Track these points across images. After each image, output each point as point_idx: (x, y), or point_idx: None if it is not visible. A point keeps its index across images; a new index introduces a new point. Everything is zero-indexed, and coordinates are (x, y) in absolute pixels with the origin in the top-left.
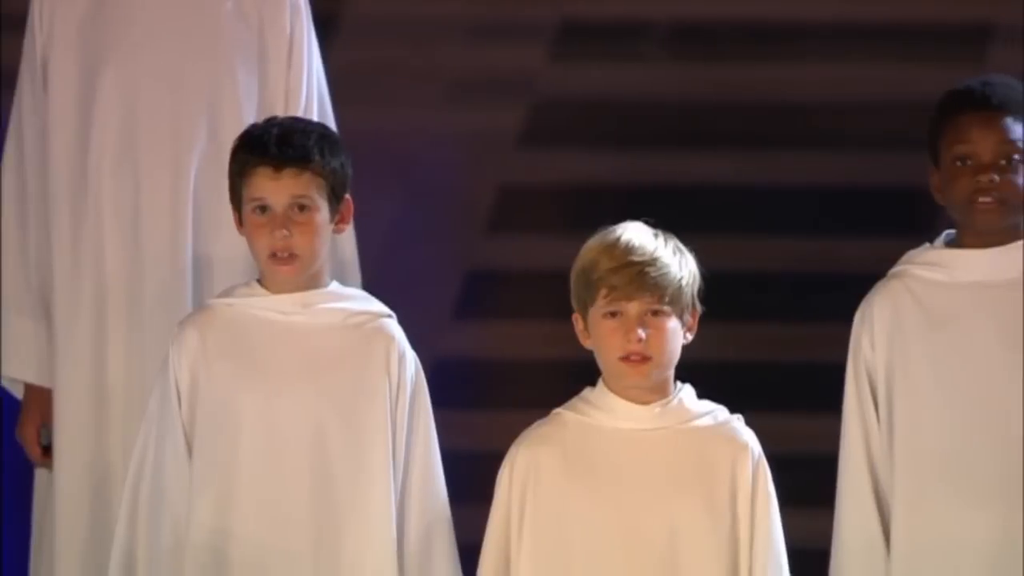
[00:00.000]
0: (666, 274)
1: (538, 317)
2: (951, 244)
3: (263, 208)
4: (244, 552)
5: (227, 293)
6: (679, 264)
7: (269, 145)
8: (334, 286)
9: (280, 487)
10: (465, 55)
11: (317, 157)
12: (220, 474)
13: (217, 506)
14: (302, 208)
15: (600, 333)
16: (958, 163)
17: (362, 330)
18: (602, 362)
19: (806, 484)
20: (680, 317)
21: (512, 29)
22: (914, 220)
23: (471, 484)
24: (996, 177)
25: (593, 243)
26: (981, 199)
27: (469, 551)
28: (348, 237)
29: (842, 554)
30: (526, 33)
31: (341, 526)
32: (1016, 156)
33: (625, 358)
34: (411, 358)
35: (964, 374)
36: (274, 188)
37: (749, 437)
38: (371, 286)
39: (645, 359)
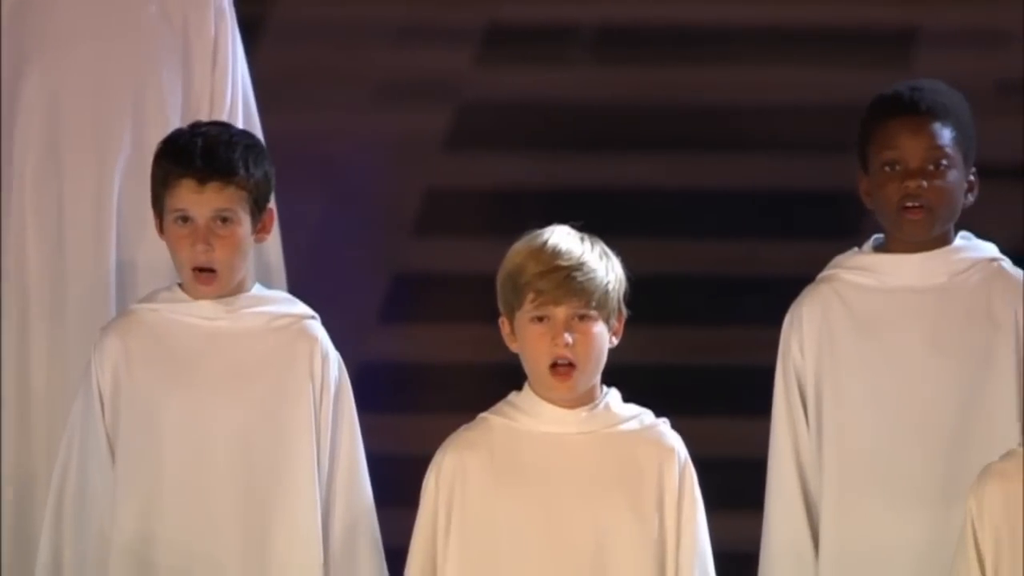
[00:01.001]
0: (593, 279)
1: (464, 320)
2: (880, 248)
3: (185, 219)
4: (169, 557)
5: (150, 298)
6: (606, 268)
7: (194, 157)
8: (257, 289)
9: (205, 491)
10: (391, 58)
11: (242, 171)
12: (144, 479)
13: (141, 511)
14: (224, 220)
15: (527, 337)
16: (887, 168)
17: (285, 332)
18: (528, 367)
19: (732, 487)
20: (607, 321)
21: (438, 32)
22: (839, 224)
23: (397, 487)
24: (924, 183)
25: (520, 247)
26: (909, 205)
27: (395, 554)
28: (273, 241)
29: (770, 557)
30: (452, 36)
31: (266, 529)
32: (944, 162)
33: (552, 367)
34: (335, 359)
35: (892, 378)
36: (197, 201)
37: (675, 440)
38: (297, 289)
39: (571, 367)
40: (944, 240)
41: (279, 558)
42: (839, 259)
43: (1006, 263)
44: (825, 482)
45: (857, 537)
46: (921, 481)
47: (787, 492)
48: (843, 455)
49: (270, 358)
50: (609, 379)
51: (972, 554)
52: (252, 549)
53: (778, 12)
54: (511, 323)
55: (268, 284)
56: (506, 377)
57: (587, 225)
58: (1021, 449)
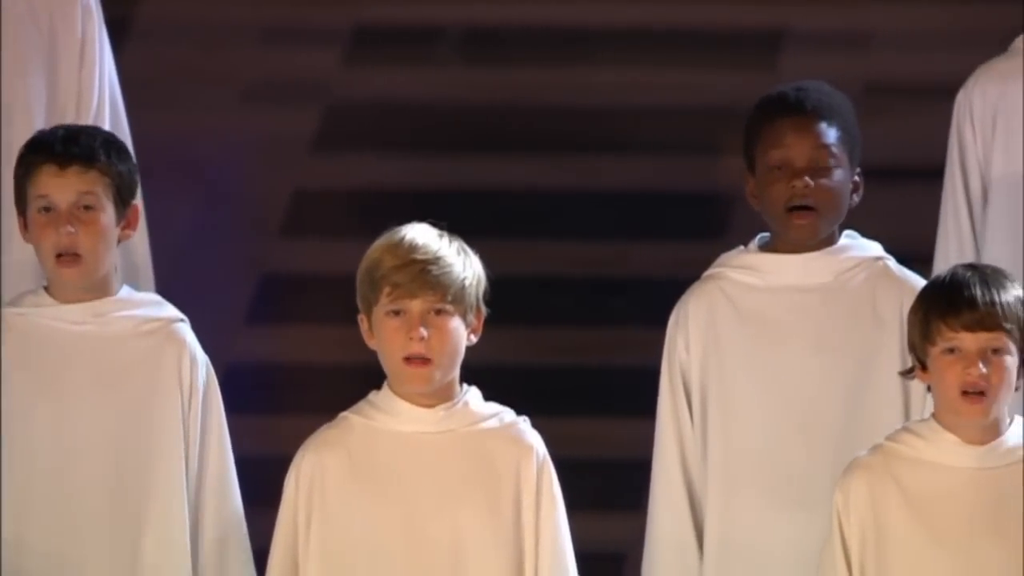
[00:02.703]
0: (449, 272)
1: (331, 321)
2: (765, 247)
3: (47, 208)
4: (39, 563)
5: (15, 302)
6: (463, 264)
7: (55, 144)
8: (124, 292)
9: (73, 496)
10: (259, 59)
11: (103, 157)
12: (13, 485)
13: (11, 517)
14: (87, 207)
15: (383, 332)
16: (773, 169)
17: (154, 336)
18: (385, 362)
19: (600, 488)
20: (463, 317)
21: (306, 33)
22: (707, 224)
23: (264, 488)
24: (811, 182)
25: (378, 243)
26: (796, 206)
27: (265, 555)
28: (141, 241)
29: (654, 553)
30: (320, 37)
31: (134, 534)
32: (831, 161)
33: (407, 359)
34: (203, 362)
35: (778, 376)
36: (59, 185)
37: (534, 439)
38: (164, 290)
39: (426, 361)
40: (829, 239)
41: (147, 562)
42: (724, 257)
43: (891, 262)
44: (710, 479)
45: (741, 534)
46: (806, 479)
47: (672, 488)
48: (728, 452)
49: (138, 362)
50: (477, 379)
51: (839, 547)
52: (120, 554)
53: (646, 14)
54: (369, 319)
55: (135, 285)
56: (372, 377)
57: (455, 226)
58: (887, 443)
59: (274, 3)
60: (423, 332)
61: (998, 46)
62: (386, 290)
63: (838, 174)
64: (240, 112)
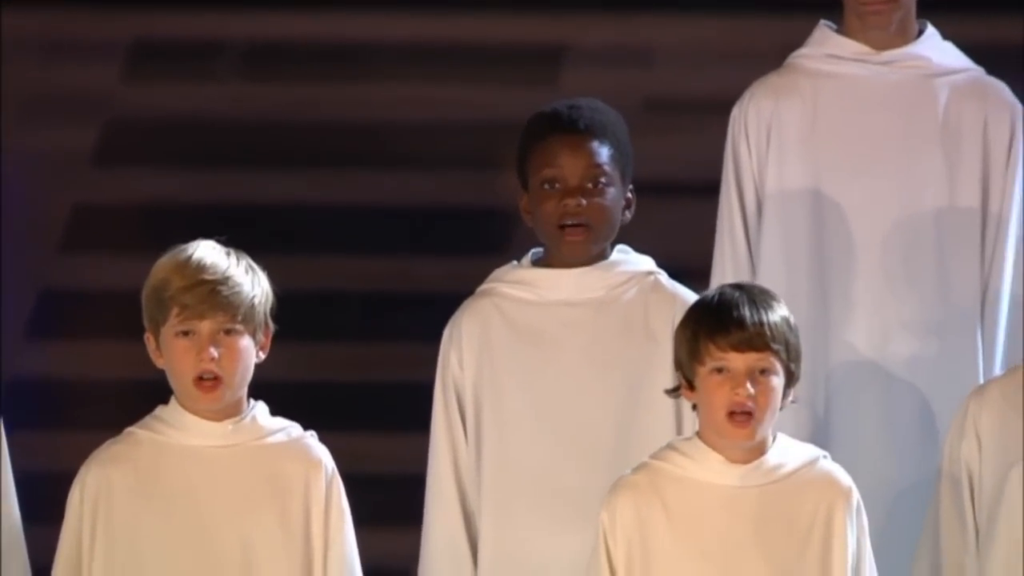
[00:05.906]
0: (239, 292)
1: (112, 336)
2: (538, 263)
3: None
4: None
5: None
6: (252, 282)
7: None
8: None
9: None
10: (37, 73)
11: None
12: None
13: None
14: None
15: (172, 352)
16: (546, 186)
17: None
18: (175, 381)
19: (384, 503)
20: (253, 335)
21: (85, 47)
22: (488, 239)
23: (45, 505)
24: (583, 201)
25: (164, 261)
26: (568, 224)
27: (45, 573)
28: None
29: (429, 568)
30: (99, 52)
31: None
32: (603, 179)
33: (198, 380)
34: None
35: (551, 392)
36: None
37: (322, 453)
38: None
39: (217, 380)
40: (601, 254)
41: None
42: (498, 273)
43: (663, 276)
44: (484, 495)
45: (515, 550)
46: (579, 495)
47: (445, 505)
48: (502, 468)
49: None
50: (260, 394)
51: (604, 566)
52: None
53: (425, 29)
54: (156, 338)
55: None
56: (156, 393)
57: (236, 241)
58: (653, 461)
59: (52, 18)
60: (213, 353)
61: (778, 62)
62: (175, 311)
63: (610, 192)
64: (19, 127)
